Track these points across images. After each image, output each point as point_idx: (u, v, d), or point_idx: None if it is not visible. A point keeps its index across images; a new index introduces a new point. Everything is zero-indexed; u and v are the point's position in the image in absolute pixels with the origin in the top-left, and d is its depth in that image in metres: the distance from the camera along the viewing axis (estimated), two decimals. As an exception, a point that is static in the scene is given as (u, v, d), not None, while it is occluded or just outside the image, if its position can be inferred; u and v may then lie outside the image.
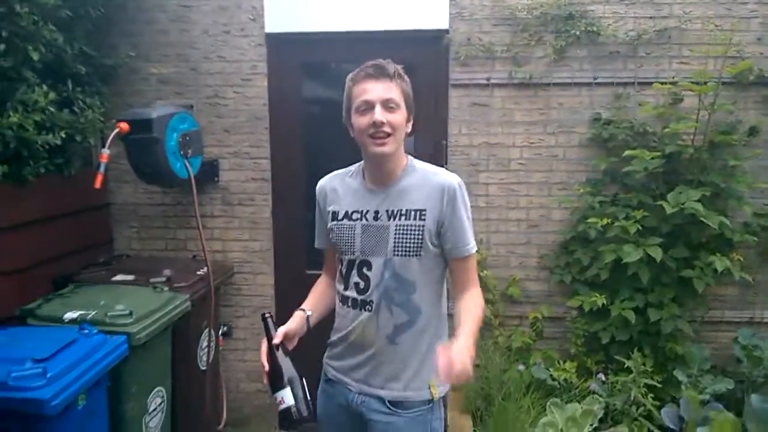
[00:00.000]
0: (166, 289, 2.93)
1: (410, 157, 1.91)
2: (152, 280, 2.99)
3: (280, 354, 1.77)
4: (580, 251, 3.42)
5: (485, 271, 3.50)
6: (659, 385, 3.17)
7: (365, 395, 1.90)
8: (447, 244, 1.83)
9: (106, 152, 2.86)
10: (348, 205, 1.90)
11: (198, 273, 3.20)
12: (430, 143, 3.61)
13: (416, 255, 1.81)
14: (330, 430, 2.03)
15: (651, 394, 3.11)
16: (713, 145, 3.34)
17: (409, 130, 1.85)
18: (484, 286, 3.50)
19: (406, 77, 1.83)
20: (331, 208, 1.93)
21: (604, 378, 3.26)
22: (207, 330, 3.26)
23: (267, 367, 1.75)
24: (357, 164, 1.96)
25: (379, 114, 1.73)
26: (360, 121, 1.77)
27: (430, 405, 1.89)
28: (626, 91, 3.44)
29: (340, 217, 1.90)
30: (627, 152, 3.24)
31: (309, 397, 1.75)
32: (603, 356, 3.40)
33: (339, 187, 1.94)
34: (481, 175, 3.55)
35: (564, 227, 3.51)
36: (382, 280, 1.83)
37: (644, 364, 3.18)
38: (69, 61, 3.11)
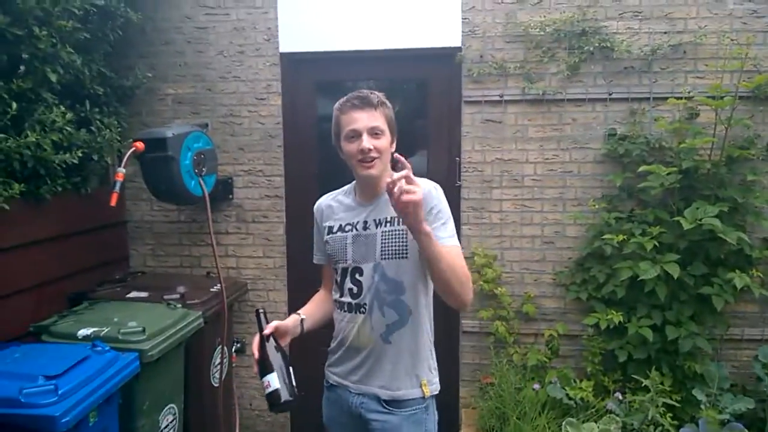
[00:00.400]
0: (179, 306, 2.94)
1: (394, 172, 1.99)
2: (166, 297, 3.01)
3: (269, 344, 1.89)
4: (596, 268, 3.37)
5: (500, 288, 3.47)
6: (678, 405, 3.09)
7: (363, 396, 2.03)
8: None
9: (121, 171, 2.90)
10: (341, 219, 2.08)
11: (212, 290, 3.21)
12: (444, 160, 3.61)
13: (403, 257, 1.95)
14: (335, 431, 2.16)
15: (669, 414, 3.04)
16: (731, 159, 3.29)
17: (393, 150, 2.00)
18: (499, 304, 3.48)
19: (388, 103, 2.00)
20: (327, 224, 2.11)
21: (621, 397, 3.19)
22: (220, 347, 3.26)
23: (257, 355, 1.88)
24: (350, 184, 2.15)
25: (366, 142, 1.91)
26: (349, 147, 1.95)
27: (425, 404, 2.03)
28: (641, 107, 3.41)
29: (335, 230, 2.07)
30: (642, 168, 3.20)
31: (294, 384, 1.87)
32: (620, 375, 3.34)
33: (333, 204, 2.13)
34: (495, 192, 3.53)
35: (579, 244, 3.48)
36: (373, 283, 1.97)
37: (662, 383, 3.11)
38: (87, 82, 3.17)
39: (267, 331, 1.90)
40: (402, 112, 3.90)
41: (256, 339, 1.91)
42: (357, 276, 2.00)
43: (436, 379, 2.10)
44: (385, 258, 1.95)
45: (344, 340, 2.05)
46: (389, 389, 2.00)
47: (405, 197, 1.62)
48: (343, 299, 2.05)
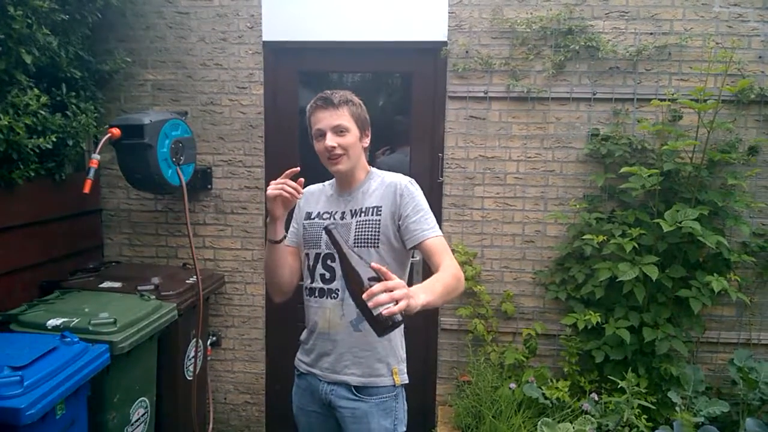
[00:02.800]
0: (153, 297, 2.89)
1: (372, 168, 2.19)
2: (140, 287, 2.95)
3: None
4: (576, 268, 3.37)
5: (479, 286, 3.45)
6: (653, 407, 3.11)
7: (333, 384, 2.07)
8: (408, 233, 2.01)
9: (96, 157, 2.83)
10: (321, 207, 2.17)
11: (187, 281, 3.15)
12: (427, 156, 3.58)
13: (374, 246, 2.02)
14: (304, 421, 2.19)
15: (645, 416, 3.05)
16: (712, 163, 3.30)
17: (366, 144, 2.12)
18: (478, 301, 3.46)
19: (355, 101, 2.08)
20: (307, 209, 2.20)
21: (597, 398, 3.19)
22: (195, 339, 3.21)
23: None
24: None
25: (329, 140, 2.01)
26: (318, 146, 2.06)
27: (395, 392, 2.08)
28: (625, 108, 3.40)
29: (313, 216, 2.16)
30: (624, 169, 3.19)
31: None
32: (597, 375, 3.35)
33: (317, 193, 2.23)
34: (477, 189, 3.51)
35: (559, 243, 3.47)
36: None
37: (638, 385, 3.12)
38: (63, 64, 3.09)
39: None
40: (385, 106, 3.87)
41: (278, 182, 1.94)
42: (329, 262, 2.05)
43: (405, 370, 2.14)
44: (357, 246, 2.01)
45: (314, 326, 2.09)
46: (360, 376, 2.04)
47: (393, 309, 1.55)
48: (314, 285, 2.09)
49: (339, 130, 2.02)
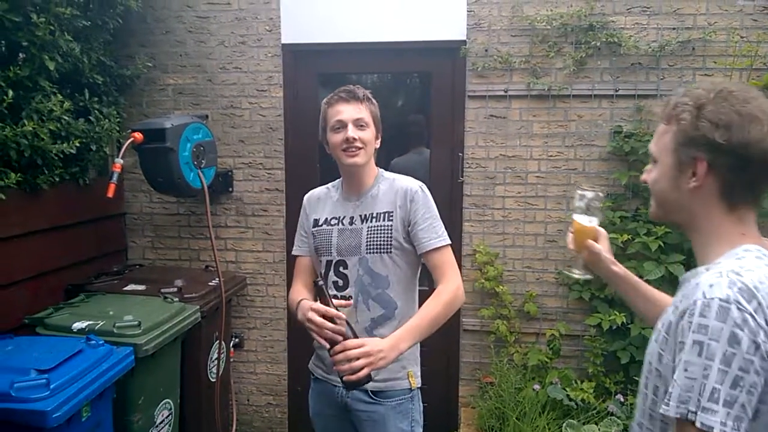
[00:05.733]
0: (176, 299, 2.91)
1: (380, 169, 2.16)
2: (163, 290, 2.98)
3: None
4: (599, 267, 3.32)
5: (501, 287, 3.42)
6: (680, 408, 3.05)
7: None
8: (416, 241, 2.01)
9: (119, 162, 2.85)
10: (328, 213, 2.13)
11: (210, 284, 3.17)
12: (446, 155, 3.56)
13: (387, 252, 2.02)
14: (320, 424, 2.20)
15: (672, 417, 3.00)
16: (738, 159, 3.23)
17: (377, 146, 2.11)
18: (501, 302, 3.43)
19: (374, 101, 2.09)
20: (314, 216, 2.16)
21: (623, 399, 3.15)
22: (218, 341, 3.23)
23: (330, 335, 1.82)
24: (340, 179, 2.19)
25: (351, 131, 1.99)
26: (335, 137, 2.02)
27: (411, 394, 2.08)
28: (648, 104, 3.35)
29: (320, 223, 2.12)
30: (649, 166, 3.14)
31: None
32: (622, 376, 3.30)
33: (323, 197, 2.19)
34: (498, 188, 3.48)
35: (583, 242, 3.42)
36: (358, 277, 2.03)
37: (665, 386, 3.07)
38: (86, 70, 3.13)
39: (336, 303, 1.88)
40: (405, 106, 3.86)
41: (318, 314, 1.83)
42: (341, 269, 2.05)
43: (419, 373, 2.13)
44: (370, 252, 2.01)
45: None
46: (377, 381, 1.99)
47: (351, 378, 1.75)
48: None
49: (360, 124, 2.01)
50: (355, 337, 1.83)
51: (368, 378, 1.78)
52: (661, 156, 1.26)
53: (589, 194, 1.57)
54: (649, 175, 1.31)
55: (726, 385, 1.02)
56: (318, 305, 1.85)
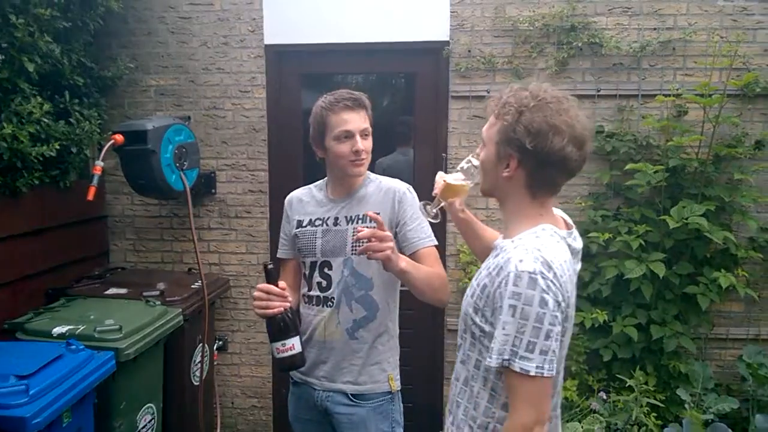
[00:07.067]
0: (158, 303, 2.89)
1: (367, 171, 2.12)
2: (145, 293, 2.96)
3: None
4: (582, 266, 3.31)
5: (485, 286, 3.43)
6: (662, 405, 3.09)
7: (329, 391, 2.05)
8: (405, 241, 2.01)
9: (99, 164, 2.83)
10: (312, 213, 2.11)
11: (193, 286, 3.16)
12: (430, 156, 3.56)
13: None
14: (300, 428, 2.18)
15: (654, 414, 3.03)
16: (718, 158, 3.27)
17: None
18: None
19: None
20: (297, 217, 2.13)
21: (605, 397, 3.18)
22: (201, 345, 3.21)
23: (272, 312, 1.83)
24: (323, 179, 2.18)
25: (360, 143, 1.97)
26: (341, 147, 1.98)
27: (391, 396, 2.08)
28: (629, 104, 3.38)
29: (304, 224, 2.10)
30: (630, 166, 3.18)
31: None
32: (605, 374, 3.33)
33: (305, 198, 2.16)
34: (481, 189, 3.49)
35: (566, 242, 3.44)
36: (342, 278, 2.02)
37: (647, 383, 3.10)
38: (66, 72, 3.10)
39: (283, 284, 1.89)
40: (389, 107, 3.86)
41: (263, 297, 1.85)
42: (326, 270, 2.04)
43: (399, 376, 2.14)
44: (355, 253, 1.99)
45: (311, 333, 2.07)
46: (356, 384, 2.03)
47: (376, 255, 1.75)
48: (311, 293, 2.08)
49: (365, 134, 2.00)
50: (298, 325, 1.89)
51: (303, 361, 1.89)
52: (488, 144, 1.50)
53: (475, 162, 1.69)
54: (480, 154, 1.55)
55: (541, 338, 1.30)
56: (263, 284, 1.87)
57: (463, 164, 1.73)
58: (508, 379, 1.35)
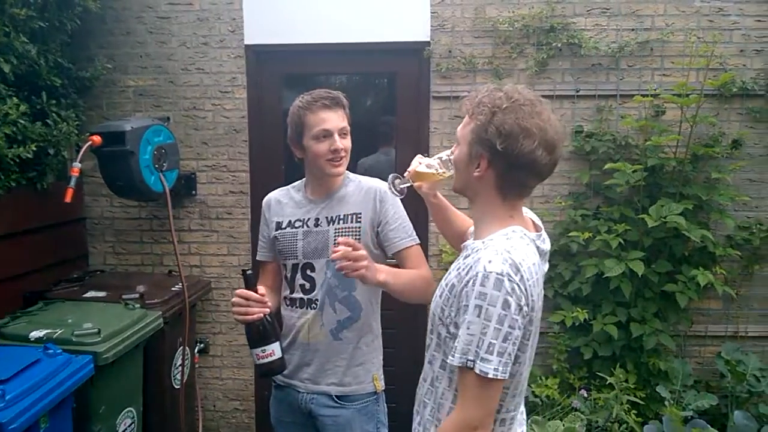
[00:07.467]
0: (138, 306, 2.86)
1: (346, 170, 2.11)
2: (124, 296, 2.93)
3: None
4: (563, 265, 3.37)
5: (467, 286, 3.44)
6: (642, 402, 3.12)
7: (313, 393, 2.04)
8: (387, 241, 2.02)
9: (77, 166, 2.80)
10: (291, 215, 2.09)
11: (173, 289, 3.13)
12: (412, 156, 3.51)
13: None
14: (282, 431, 2.17)
15: (634, 411, 3.06)
16: (696, 157, 3.31)
17: None
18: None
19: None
20: (275, 219, 2.11)
21: (586, 394, 3.20)
22: (182, 347, 3.18)
23: (251, 319, 1.81)
24: (301, 180, 2.17)
25: (339, 142, 1.96)
26: (319, 147, 1.97)
27: (376, 397, 2.09)
28: (608, 104, 3.41)
29: (284, 226, 2.08)
30: (609, 165, 3.20)
31: None
32: (586, 372, 3.35)
33: (283, 200, 2.14)
34: (463, 189, 3.50)
35: (546, 241, 3.46)
36: (325, 279, 2.00)
37: (627, 380, 3.13)
38: (43, 72, 3.06)
39: (262, 290, 1.87)
40: (370, 107, 3.86)
41: (242, 304, 1.83)
42: (308, 272, 2.02)
43: (383, 375, 2.14)
44: None
45: (295, 336, 2.05)
46: (341, 385, 2.02)
47: (351, 275, 1.75)
48: (294, 295, 2.06)
49: (344, 133, 1.99)
50: (277, 330, 1.88)
51: (283, 366, 1.88)
52: (461, 142, 1.50)
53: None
54: (454, 153, 1.55)
55: (499, 340, 1.30)
56: (242, 290, 1.85)
57: (444, 155, 1.73)
58: (463, 377, 1.35)
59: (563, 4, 3.37)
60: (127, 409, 2.76)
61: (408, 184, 1.83)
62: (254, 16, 3.51)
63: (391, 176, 1.87)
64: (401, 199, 2.05)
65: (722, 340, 3.45)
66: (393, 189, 1.85)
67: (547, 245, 1.54)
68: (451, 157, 1.59)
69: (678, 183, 3.25)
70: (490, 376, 1.30)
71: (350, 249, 1.73)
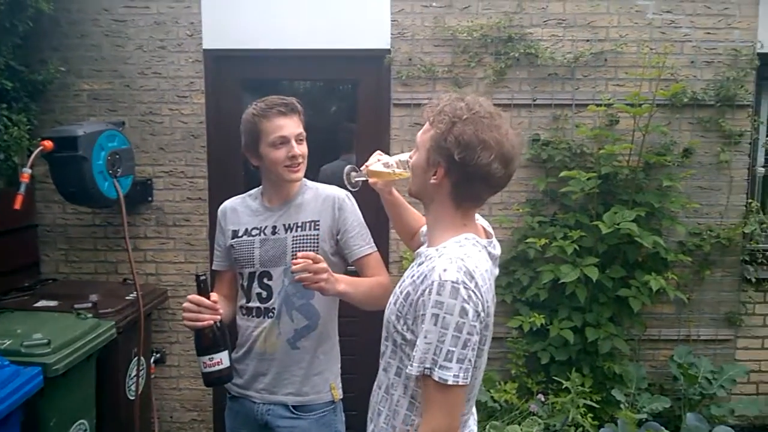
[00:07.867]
0: (90, 315, 2.78)
1: (303, 178, 2.08)
2: (76, 306, 2.85)
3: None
4: (521, 271, 3.42)
5: (427, 292, 3.46)
6: (598, 406, 3.17)
7: (270, 404, 2.01)
8: (347, 248, 2.02)
9: (27, 171, 2.72)
10: (247, 223, 2.05)
11: (128, 298, 3.06)
12: (372, 163, 3.56)
13: None
14: None
15: (590, 414, 3.11)
16: (648, 165, 3.40)
17: None
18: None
19: None
20: (231, 228, 2.08)
21: (544, 399, 3.24)
22: (137, 357, 3.11)
23: (201, 325, 1.78)
24: (257, 188, 2.13)
25: (296, 148, 1.94)
26: (276, 153, 1.94)
27: (333, 406, 2.05)
28: (564, 113, 3.48)
29: (240, 234, 2.05)
30: (564, 173, 3.26)
31: None
32: (543, 376, 3.40)
33: (239, 208, 2.11)
34: (423, 195, 3.52)
35: (504, 247, 3.50)
36: (282, 287, 1.97)
37: (583, 384, 3.19)
38: (-8, 76, 2.98)
39: (215, 297, 1.84)
40: (331, 113, 3.85)
41: (193, 309, 1.79)
42: (265, 280, 1.99)
43: (341, 384, 2.12)
44: None
45: (251, 346, 2.02)
46: (298, 395, 1.99)
47: (311, 287, 1.75)
48: (250, 304, 2.02)
49: (300, 138, 1.97)
50: (227, 339, 1.84)
51: (230, 376, 1.86)
52: (420, 148, 1.50)
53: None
54: (412, 158, 1.55)
55: (459, 347, 1.31)
56: (193, 296, 1.81)
57: (404, 155, 1.73)
58: (425, 386, 1.36)
59: (521, 15, 3.43)
60: (80, 421, 2.68)
61: (363, 179, 1.83)
62: (213, 20, 3.47)
63: (347, 167, 1.86)
64: (356, 199, 2.06)
65: (675, 343, 3.54)
66: (348, 182, 1.85)
67: (497, 250, 1.57)
68: (410, 161, 1.59)
69: (631, 190, 3.33)
70: (450, 383, 1.31)
71: (310, 261, 1.72)
